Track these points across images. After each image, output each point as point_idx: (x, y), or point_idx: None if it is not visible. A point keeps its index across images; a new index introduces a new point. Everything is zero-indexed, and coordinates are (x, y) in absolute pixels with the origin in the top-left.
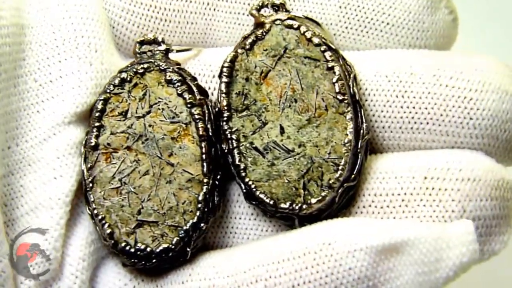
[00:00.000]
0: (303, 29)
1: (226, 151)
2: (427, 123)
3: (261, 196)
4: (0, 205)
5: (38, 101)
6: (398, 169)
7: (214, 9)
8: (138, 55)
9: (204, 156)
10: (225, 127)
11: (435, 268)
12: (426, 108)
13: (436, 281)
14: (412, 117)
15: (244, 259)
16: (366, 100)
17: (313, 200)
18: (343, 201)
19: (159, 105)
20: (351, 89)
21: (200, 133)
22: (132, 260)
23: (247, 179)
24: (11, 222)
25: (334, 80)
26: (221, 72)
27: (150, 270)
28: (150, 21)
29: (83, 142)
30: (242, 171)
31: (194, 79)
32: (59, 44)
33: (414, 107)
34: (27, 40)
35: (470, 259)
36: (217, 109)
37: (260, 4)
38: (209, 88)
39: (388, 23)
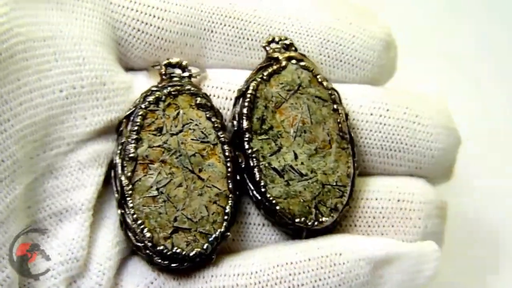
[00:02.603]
0: (315, 72)
1: (244, 167)
2: (399, 151)
3: (281, 211)
4: (24, 209)
5: (63, 111)
6: (378, 193)
7: (210, 34)
8: (164, 76)
9: (229, 174)
10: (246, 147)
11: (415, 277)
12: (399, 139)
13: (416, 287)
14: (389, 146)
15: (264, 262)
16: (353, 129)
17: (324, 219)
18: (341, 219)
19: (190, 125)
20: (349, 129)
21: (226, 154)
22: (167, 262)
23: (268, 195)
24: (34, 223)
25: (339, 120)
26: (244, 96)
27: (177, 270)
28: (156, 41)
29: (118, 153)
30: (262, 187)
31: (213, 104)
32: (80, 61)
33: (391, 138)
34: (52, 51)
35: (438, 269)
36: (235, 129)
37: (271, 39)
38: (221, 108)
39: (358, 59)
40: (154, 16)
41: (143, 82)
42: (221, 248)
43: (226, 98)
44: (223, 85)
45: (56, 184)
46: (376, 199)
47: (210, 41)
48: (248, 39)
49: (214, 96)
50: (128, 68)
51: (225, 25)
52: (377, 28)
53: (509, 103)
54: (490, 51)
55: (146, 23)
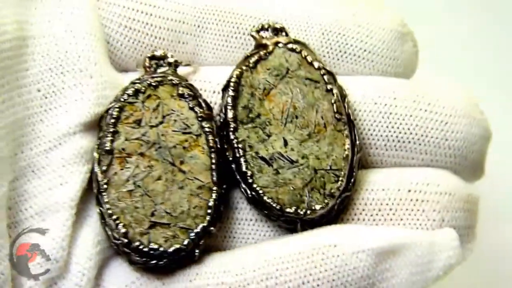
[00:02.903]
0: (304, 53)
1: (232, 159)
2: (409, 142)
3: (269, 201)
4: (5, 209)
5: (42, 110)
6: (386, 182)
7: (204, 31)
8: (148, 69)
9: (213, 166)
10: (232, 137)
11: (427, 268)
12: (408, 129)
13: (427, 280)
14: (396, 136)
15: (252, 258)
16: (354, 119)
17: (317, 207)
18: (340, 209)
19: (171, 116)
20: (346, 110)
21: (210, 144)
22: (144, 259)
23: (254, 185)
24: (14, 225)
25: (333, 101)
26: (228, 86)
27: (158, 269)
28: (145, 38)
29: (96, 146)
30: (249, 177)
31: (200, 94)
32: (61, 56)
33: (398, 128)
34: (30, 51)
35: (456, 261)
36: (221, 121)
37: (260, 27)
38: (211, 102)
39: (365, 50)
40: (142, 12)
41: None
42: (205, 245)
43: (215, 92)
44: (212, 78)
45: (39, 184)
46: (383, 190)
47: (204, 38)
48: (244, 34)
49: (202, 90)
50: (120, 69)
51: (219, 21)
52: (387, 18)
53: None
54: None
55: (133, 19)
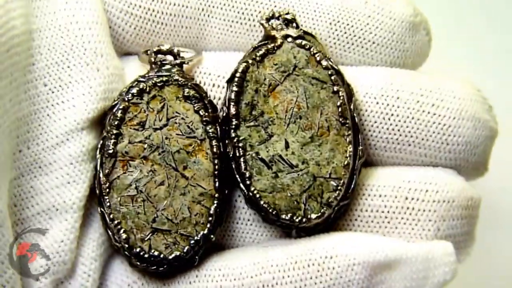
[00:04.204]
0: (313, 50)
1: (231, 156)
2: (409, 145)
3: (265, 205)
4: (10, 206)
5: (48, 105)
6: (383, 188)
7: (209, 15)
8: (153, 65)
9: (216, 172)
10: (233, 135)
11: (422, 284)
12: (409, 132)
13: None
14: (397, 139)
15: (249, 264)
16: (360, 122)
17: (313, 216)
18: (337, 216)
19: (176, 119)
20: (352, 113)
21: (214, 150)
22: (145, 264)
23: (252, 188)
24: (21, 221)
25: (338, 103)
26: (232, 81)
27: (158, 274)
28: (147, 24)
29: (99, 147)
30: (247, 179)
31: (206, 94)
32: (67, 49)
33: (399, 130)
34: (36, 44)
35: (451, 277)
36: (224, 115)
37: (270, 15)
38: (214, 98)
39: (374, 42)
40: None
41: (135, 69)
42: (205, 251)
43: (218, 86)
44: (214, 70)
45: (45, 180)
46: (380, 196)
47: (208, 22)
48: (250, 19)
49: (205, 84)
50: (122, 53)
51: (225, 5)
52: (399, 7)
53: None
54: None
55: (135, 5)
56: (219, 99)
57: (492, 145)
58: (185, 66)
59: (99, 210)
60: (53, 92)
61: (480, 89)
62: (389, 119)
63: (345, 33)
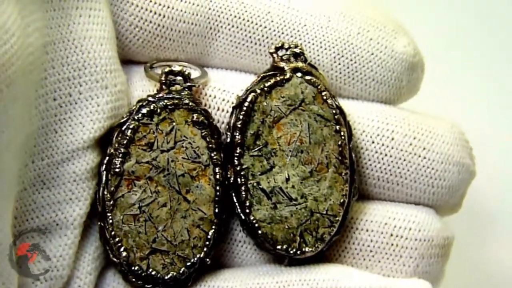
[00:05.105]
0: (321, 88)
1: (232, 182)
2: (398, 184)
3: (263, 235)
4: (11, 218)
5: (56, 120)
6: (370, 223)
7: (216, 34)
8: (164, 85)
9: (217, 199)
10: (236, 163)
11: None
12: (399, 173)
13: None
14: (387, 178)
15: (242, 287)
16: (356, 163)
17: (307, 249)
18: (327, 249)
19: (183, 143)
20: (351, 153)
21: (217, 177)
22: (140, 282)
23: (251, 217)
24: (19, 233)
25: (340, 143)
26: (240, 109)
27: None
28: (156, 39)
29: (104, 164)
30: (247, 208)
31: (213, 120)
32: (79, 65)
33: (390, 170)
34: (49, 58)
35: None
36: (228, 141)
37: (279, 45)
38: (218, 122)
39: (373, 79)
40: (155, 13)
41: (138, 81)
42: (199, 274)
43: (222, 110)
44: (219, 94)
45: (47, 195)
46: (367, 231)
47: (215, 41)
48: (256, 43)
49: (209, 107)
50: (125, 61)
51: (233, 26)
52: (401, 47)
53: None
54: None
55: (146, 20)
56: (223, 123)
57: (468, 187)
58: (193, 89)
59: (99, 224)
60: (61, 107)
61: (464, 132)
62: (382, 159)
63: (348, 68)
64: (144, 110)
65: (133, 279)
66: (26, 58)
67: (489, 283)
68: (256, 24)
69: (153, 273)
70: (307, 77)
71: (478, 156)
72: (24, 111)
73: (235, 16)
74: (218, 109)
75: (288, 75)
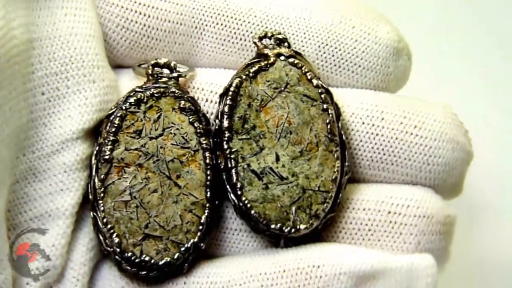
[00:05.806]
0: (305, 69)
1: (223, 168)
2: (392, 164)
3: (256, 215)
4: (5, 211)
5: (45, 114)
6: (366, 202)
7: (201, 33)
8: (150, 76)
9: (208, 183)
10: (225, 147)
11: None
12: (393, 151)
13: None
14: (380, 158)
15: (238, 272)
16: (346, 140)
17: (302, 226)
18: (323, 228)
19: (171, 130)
20: (340, 131)
21: (207, 161)
22: (135, 269)
23: (243, 198)
24: (13, 227)
25: (328, 121)
26: (226, 94)
27: (147, 279)
28: (142, 39)
29: (94, 153)
30: (238, 189)
31: (200, 107)
32: (66, 60)
33: (383, 149)
34: (36, 53)
35: (433, 287)
36: (216, 128)
37: (263, 34)
38: (207, 112)
39: (360, 66)
40: (140, 13)
41: (128, 81)
42: (194, 259)
43: (211, 101)
44: (207, 86)
45: (39, 187)
46: (364, 210)
47: (201, 40)
48: (241, 39)
49: (197, 99)
50: (115, 66)
51: (217, 24)
52: (384, 33)
53: None
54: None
55: (131, 21)
56: (211, 113)
57: (467, 168)
58: (180, 79)
59: (91, 214)
60: (50, 101)
61: (457, 114)
62: (374, 138)
63: (333, 56)
64: (131, 100)
65: (127, 267)
66: (10, 49)
67: (489, 282)
68: (240, 20)
69: (147, 259)
70: (291, 60)
71: (477, 156)
72: (11, 102)
73: (219, 14)
74: (207, 100)
75: (272, 60)
